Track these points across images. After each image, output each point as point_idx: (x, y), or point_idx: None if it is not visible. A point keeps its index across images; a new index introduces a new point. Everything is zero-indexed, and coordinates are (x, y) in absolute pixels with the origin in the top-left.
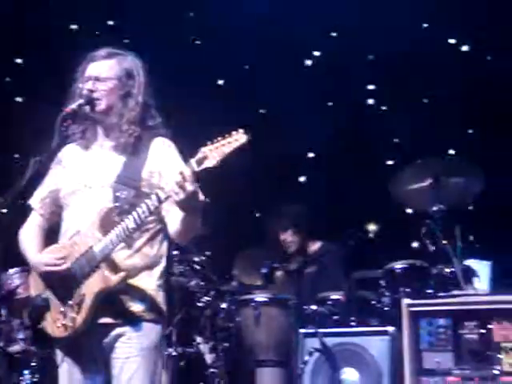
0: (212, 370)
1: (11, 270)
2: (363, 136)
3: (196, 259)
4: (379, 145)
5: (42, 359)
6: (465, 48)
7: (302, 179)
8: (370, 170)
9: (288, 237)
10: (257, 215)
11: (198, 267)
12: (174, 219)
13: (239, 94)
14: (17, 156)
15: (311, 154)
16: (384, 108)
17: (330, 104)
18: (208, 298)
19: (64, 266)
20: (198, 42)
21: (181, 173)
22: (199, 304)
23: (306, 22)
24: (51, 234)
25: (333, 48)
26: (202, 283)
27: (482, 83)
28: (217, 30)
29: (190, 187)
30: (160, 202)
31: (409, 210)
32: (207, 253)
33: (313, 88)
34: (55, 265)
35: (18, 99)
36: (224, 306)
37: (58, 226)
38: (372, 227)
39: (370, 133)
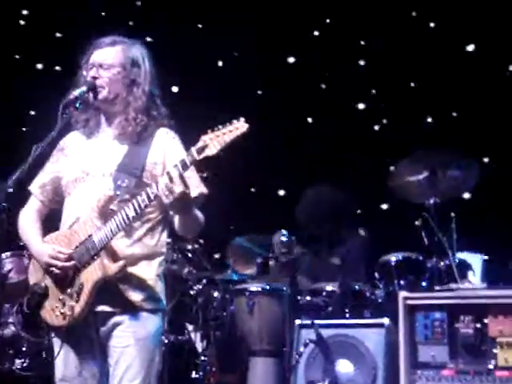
0: (203, 358)
1: (3, 255)
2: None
3: (189, 247)
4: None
5: (34, 344)
6: None
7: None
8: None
9: (313, 224)
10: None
11: (190, 255)
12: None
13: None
14: None
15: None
16: None
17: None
18: (200, 287)
19: (69, 264)
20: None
21: (168, 174)
22: (191, 292)
23: None
24: (47, 222)
25: None
26: (195, 271)
27: None
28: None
29: (177, 189)
30: (156, 196)
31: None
32: (200, 241)
33: None
34: (59, 259)
35: None
36: (216, 294)
37: (54, 214)
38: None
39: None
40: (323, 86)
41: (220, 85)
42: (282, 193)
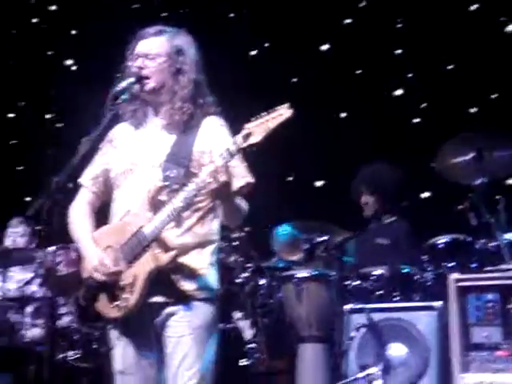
0: (252, 345)
1: (51, 248)
2: None
3: (235, 235)
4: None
5: (86, 336)
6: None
7: None
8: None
9: (369, 200)
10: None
11: (236, 243)
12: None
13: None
14: None
15: None
16: None
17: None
18: (247, 274)
19: (108, 279)
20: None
21: (213, 162)
22: (238, 280)
23: None
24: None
25: None
26: (241, 259)
27: None
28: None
29: (221, 178)
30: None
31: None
32: (246, 228)
33: None
34: (100, 272)
35: None
36: (263, 282)
37: (105, 207)
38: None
39: None
40: (358, 72)
41: (254, 74)
42: (318, 183)
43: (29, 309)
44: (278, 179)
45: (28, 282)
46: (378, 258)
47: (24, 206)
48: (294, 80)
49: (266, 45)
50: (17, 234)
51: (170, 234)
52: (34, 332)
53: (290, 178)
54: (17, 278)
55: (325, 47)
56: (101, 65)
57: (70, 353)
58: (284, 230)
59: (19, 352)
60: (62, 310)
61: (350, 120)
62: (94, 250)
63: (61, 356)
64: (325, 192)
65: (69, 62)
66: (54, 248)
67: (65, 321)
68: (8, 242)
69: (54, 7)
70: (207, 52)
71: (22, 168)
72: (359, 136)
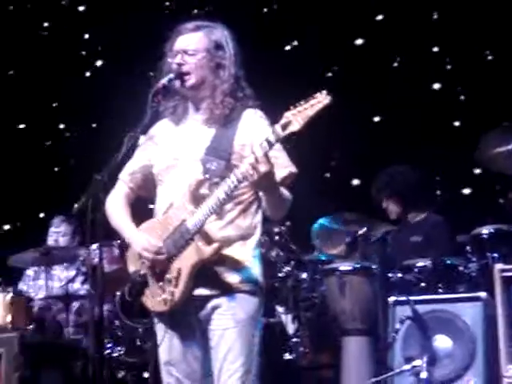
0: (295, 339)
1: (94, 245)
2: None
3: (276, 230)
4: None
5: (130, 332)
6: None
7: None
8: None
9: (389, 205)
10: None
11: (277, 237)
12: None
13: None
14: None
15: None
16: None
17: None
18: (289, 268)
19: (159, 258)
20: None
21: (253, 153)
22: (280, 274)
23: None
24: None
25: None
26: (282, 253)
27: None
28: None
29: (262, 168)
30: (244, 176)
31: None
32: (287, 223)
33: None
34: (150, 252)
35: None
36: (305, 276)
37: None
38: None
39: None
40: (395, 65)
41: (289, 68)
42: (355, 182)
43: (73, 306)
44: (317, 174)
45: (71, 280)
46: (415, 255)
47: (66, 205)
48: (331, 73)
49: (299, 41)
50: (59, 234)
51: (212, 226)
52: (79, 329)
53: (328, 175)
54: (60, 277)
55: (359, 41)
56: (135, 63)
57: (116, 348)
58: (324, 223)
59: (66, 349)
60: (106, 307)
61: (388, 114)
62: (139, 233)
63: (106, 352)
64: (363, 189)
65: (99, 62)
66: (97, 245)
67: (109, 317)
68: (50, 242)
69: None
70: (243, 46)
71: (61, 168)
72: (396, 130)
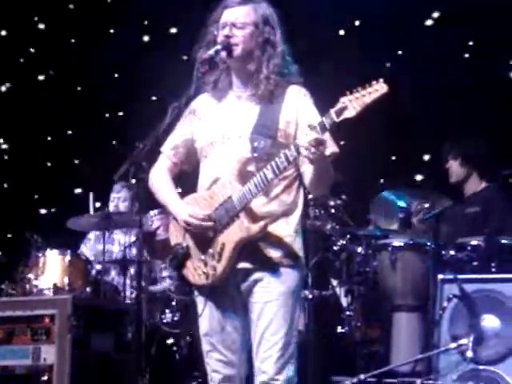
0: (348, 312)
1: (151, 212)
2: None
3: (331, 203)
4: None
5: (182, 301)
6: None
7: None
8: None
9: (453, 165)
10: (392, 158)
11: (333, 211)
12: (308, 171)
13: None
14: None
15: None
16: None
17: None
18: (343, 242)
19: (207, 224)
20: None
21: (307, 136)
22: (335, 248)
23: None
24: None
25: None
26: (338, 227)
27: None
28: None
29: (316, 151)
30: (299, 153)
31: None
32: (343, 197)
33: None
34: (198, 218)
35: None
36: (359, 249)
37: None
38: None
39: None
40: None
41: (348, 51)
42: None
43: (131, 271)
44: (374, 147)
45: (130, 245)
46: (470, 227)
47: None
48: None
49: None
50: (119, 200)
51: (257, 202)
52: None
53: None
54: (120, 241)
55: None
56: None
57: (168, 316)
58: (385, 196)
59: (119, 313)
60: (162, 274)
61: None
62: (183, 204)
63: (157, 319)
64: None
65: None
66: (154, 212)
67: (163, 285)
68: (111, 207)
69: None
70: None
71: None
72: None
